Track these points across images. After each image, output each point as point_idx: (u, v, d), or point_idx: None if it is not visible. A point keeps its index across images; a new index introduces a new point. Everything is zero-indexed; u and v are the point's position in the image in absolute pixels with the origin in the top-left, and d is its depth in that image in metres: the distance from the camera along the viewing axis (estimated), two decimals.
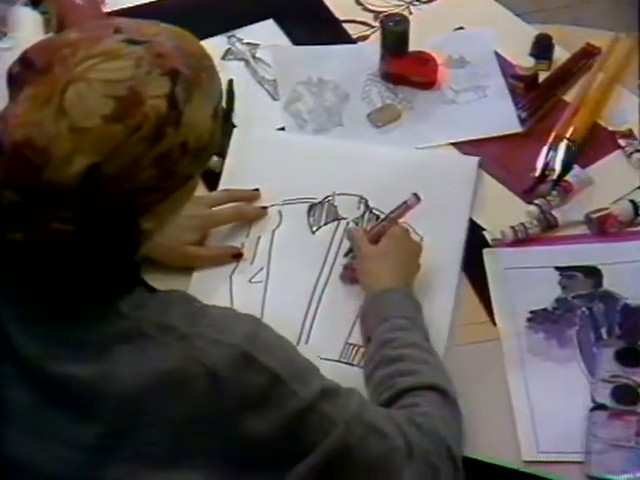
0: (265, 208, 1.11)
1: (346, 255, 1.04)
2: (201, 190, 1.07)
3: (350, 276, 1.02)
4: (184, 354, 0.70)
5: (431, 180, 1.11)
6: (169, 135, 0.67)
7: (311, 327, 1.00)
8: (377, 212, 1.10)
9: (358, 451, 0.75)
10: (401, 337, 0.89)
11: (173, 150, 0.68)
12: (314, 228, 1.09)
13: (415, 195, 1.01)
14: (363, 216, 1.10)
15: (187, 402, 0.70)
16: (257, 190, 1.12)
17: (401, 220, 1.04)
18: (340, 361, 0.97)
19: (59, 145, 0.65)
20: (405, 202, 1.02)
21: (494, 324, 1.00)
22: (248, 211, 1.10)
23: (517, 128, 1.19)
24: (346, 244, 1.07)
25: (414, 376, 0.85)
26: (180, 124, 0.67)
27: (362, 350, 0.97)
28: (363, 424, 0.76)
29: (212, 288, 1.03)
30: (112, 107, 0.65)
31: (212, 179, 1.11)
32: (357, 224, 1.10)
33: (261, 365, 0.72)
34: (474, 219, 1.10)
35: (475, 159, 1.15)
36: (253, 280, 1.04)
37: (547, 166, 1.14)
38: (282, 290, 1.03)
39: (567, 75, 1.25)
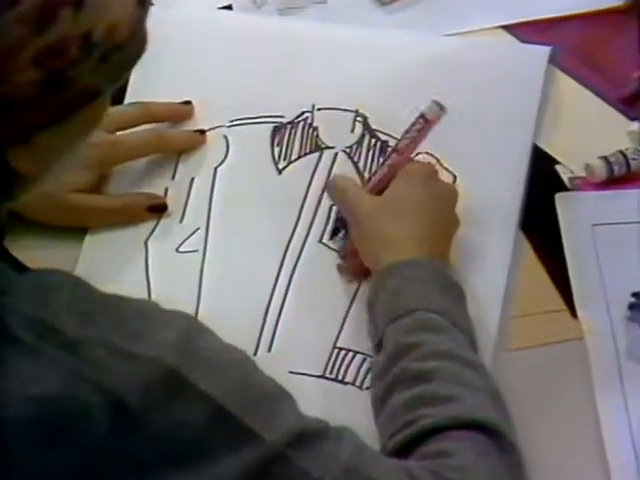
0: (202, 133, 1.07)
1: (332, 237, 1.02)
2: None
3: (352, 266, 0.98)
4: (72, 372, 0.68)
5: (470, 85, 1.07)
6: (63, 19, 0.66)
7: (276, 324, 0.97)
8: (382, 135, 1.06)
9: None
10: (428, 342, 0.87)
11: (69, 44, 0.66)
12: (281, 164, 1.06)
13: (436, 104, 0.95)
14: (360, 143, 1.06)
15: (76, 449, 0.68)
16: (189, 103, 1.08)
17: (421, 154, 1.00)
18: (324, 377, 0.93)
19: None
20: (421, 116, 0.96)
21: (573, 315, 0.97)
22: (174, 137, 1.07)
23: (613, 0, 1.18)
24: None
25: (446, 406, 0.83)
26: (82, 5, 0.66)
27: (359, 358, 0.94)
28: None
29: (115, 261, 1.01)
30: None
31: None
32: (351, 158, 1.05)
33: (197, 391, 0.70)
34: (540, 146, 1.06)
35: (544, 50, 1.11)
36: (183, 249, 1.01)
37: None
38: (230, 265, 1.01)
39: None
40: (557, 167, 1.05)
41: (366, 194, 0.97)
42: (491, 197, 0.99)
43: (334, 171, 1.05)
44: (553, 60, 1.10)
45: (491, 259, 0.98)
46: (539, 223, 1.01)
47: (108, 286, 0.73)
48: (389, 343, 0.88)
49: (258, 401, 0.73)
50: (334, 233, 1.00)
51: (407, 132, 0.97)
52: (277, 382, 0.76)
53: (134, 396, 0.68)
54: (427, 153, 1.01)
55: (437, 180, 0.97)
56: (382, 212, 0.95)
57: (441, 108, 0.95)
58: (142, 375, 0.69)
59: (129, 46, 0.70)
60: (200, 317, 0.90)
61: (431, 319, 0.88)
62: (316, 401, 0.90)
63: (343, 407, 0.90)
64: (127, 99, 1.07)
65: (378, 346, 0.89)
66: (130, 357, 0.69)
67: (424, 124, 0.96)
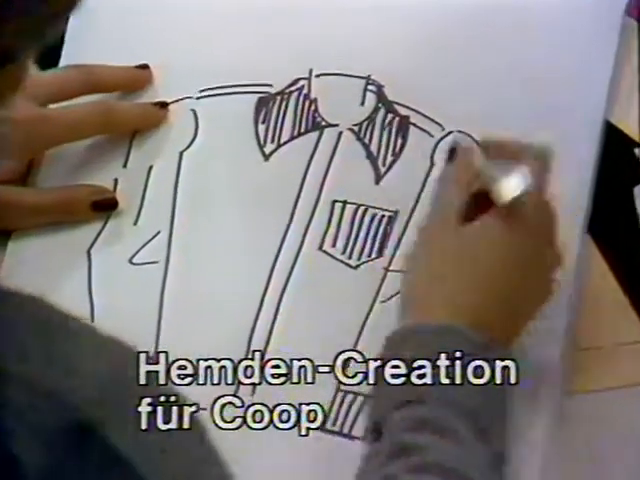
0: (163, 106, 1.04)
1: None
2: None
3: None
4: None
5: (519, 45, 1.05)
6: None
7: (262, 359, 0.91)
8: (402, 109, 1.02)
9: None
10: (431, 448, 0.84)
11: None
12: (268, 148, 1.03)
13: None
14: (373, 119, 1.03)
15: None
16: (145, 67, 1.05)
17: None
18: (325, 429, 0.90)
19: None
20: None
21: None
22: (126, 112, 1.05)
23: None
24: (341, 186, 1.00)
25: None
26: None
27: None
28: None
29: (48, 275, 1.00)
30: None
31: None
32: (361, 138, 1.01)
33: (117, 458, 0.66)
34: (614, 123, 1.02)
35: (620, 1, 1.06)
36: (138, 259, 1.00)
37: None
38: (199, 281, 0.99)
39: None
40: (637, 151, 1.01)
41: (455, 217, 0.91)
42: (549, 192, 0.92)
43: (338, 155, 1.01)
44: (630, 11, 1.05)
45: None
46: (612, 226, 0.98)
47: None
48: (388, 434, 0.85)
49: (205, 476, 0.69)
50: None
51: None
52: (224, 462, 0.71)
53: (34, 454, 0.64)
54: (460, 132, 0.99)
55: (551, 231, 0.90)
56: (456, 246, 0.90)
57: None
58: (47, 423, 0.65)
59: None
60: (161, 348, 0.92)
61: (444, 418, 0.85)
62: (313, 463, 0.90)
63: (350, 471, 0.84)
64: (63, 61, 1.04)
65: (374, 427, 0.86)
66: (45, 394, 0.65)
67: None
